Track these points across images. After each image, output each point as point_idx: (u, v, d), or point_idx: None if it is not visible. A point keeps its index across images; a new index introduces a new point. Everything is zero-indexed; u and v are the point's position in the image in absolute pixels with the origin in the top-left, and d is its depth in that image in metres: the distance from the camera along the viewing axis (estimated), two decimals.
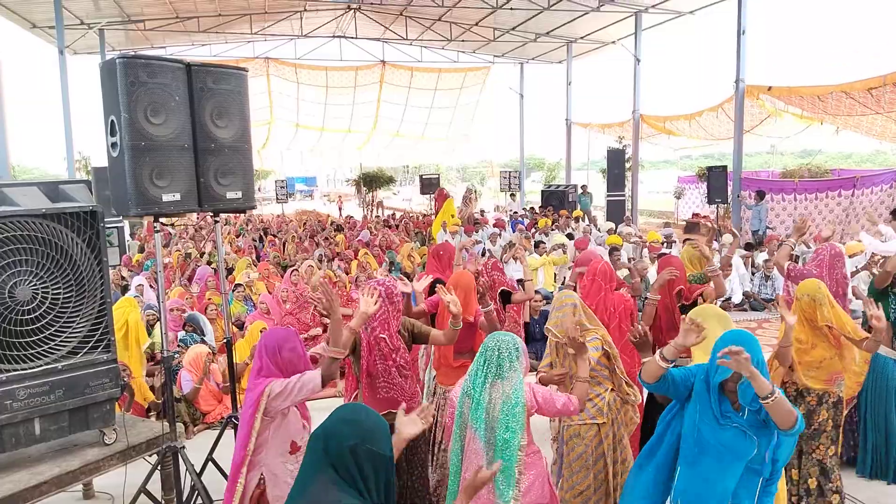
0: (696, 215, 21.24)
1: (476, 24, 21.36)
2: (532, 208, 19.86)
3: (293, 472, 3.18)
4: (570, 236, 12.47)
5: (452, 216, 15.26)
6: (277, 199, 24.42)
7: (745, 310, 10.19)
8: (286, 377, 3.17)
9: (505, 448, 2.93)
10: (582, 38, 21.94)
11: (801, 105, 15.01)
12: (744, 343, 2.68)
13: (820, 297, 4.09)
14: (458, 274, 4.48)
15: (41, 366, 3.59)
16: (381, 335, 3.59)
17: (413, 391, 3.77)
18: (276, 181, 26.80)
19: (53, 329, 3.63)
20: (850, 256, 8.98)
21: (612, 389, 3.85)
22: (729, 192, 15.96)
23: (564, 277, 9.45)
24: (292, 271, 8.97)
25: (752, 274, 10.79)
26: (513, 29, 21.47)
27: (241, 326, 7.75)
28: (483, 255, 10.76)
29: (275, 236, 15.17)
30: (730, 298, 10.01)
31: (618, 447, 3.84)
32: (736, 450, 2.75)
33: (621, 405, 3.87)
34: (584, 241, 11.03)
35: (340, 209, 27.35)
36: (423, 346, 4.92)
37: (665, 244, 13.33)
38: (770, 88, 14.85)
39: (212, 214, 4.57)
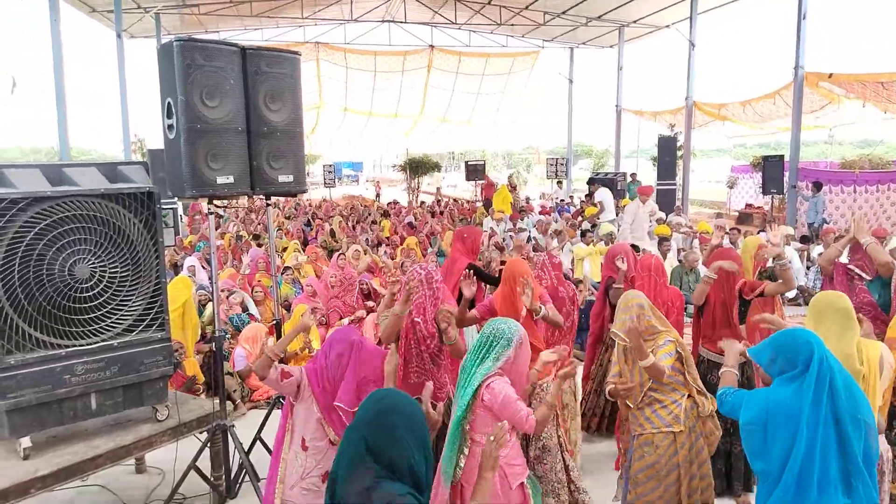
0: (749, 206, 20.72)
1: (526, 8, 21.08)
2: (583, 196, 19.61)
3: (300, 466, 3.13)
4: (588, 228, 12.06)
5: (510, 202, 15.30)
6: (325, 183, 24.63)
7: (800, 304, 9.89)
8: (327, 376, 3.15)
9: (454, 427, 3.01)
10: (635, 21, 21.48)
11: (863, 93, 14.42)
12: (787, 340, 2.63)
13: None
14: (512, 262, 4.40)
15: (98, 342, 3.70)
16: (416, 318, 3.60)
17: (443, 381, 3.74)
18: (323, 166, 27.05)
19: (110, 307, 3.73)
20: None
21: (689, 396, 3.61)
22: (785, 183, 15.47)
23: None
24: (339, 255, 9.04)
25: (807, 268, 10.46)
26: (563, 13, 21.12)
27: (288, 308, 7.86)
28: (528, 241, 10.67)
29: (323, 220, 15.32)
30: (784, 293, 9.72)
31: (695, 460, 3.59)
32: None
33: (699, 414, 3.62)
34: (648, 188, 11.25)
35: (378, 195, 27.16)
36: None
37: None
38: (831, 76, 14.29)
39: (264, 197, 4.61)
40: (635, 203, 11.08)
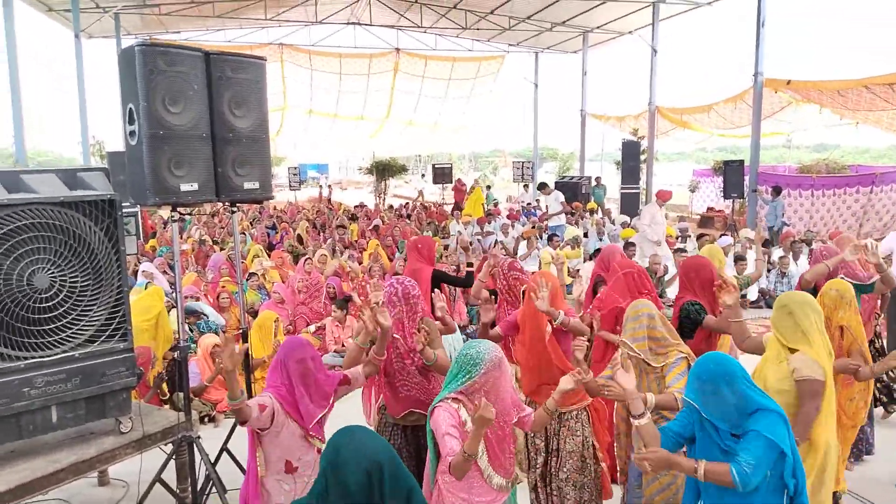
0: (710, 209, 21.13)
1: (491, 13, 21.20)
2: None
3: (288, 492, 3.06)
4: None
5: (482, 204, 15.49)
6: (290, 186, 24.36)
7: (761, 307, 10.10)
8: (290, 388, 3.05)
9: (431, 453, 2.91)
10: (598, 27, 21.74)
11: (820, 100, 14.82)
12: (711, 370, 2.65)
13: (849, 297, 4.00)
14: (537, 274, 4.34)
15: (58, 354, 3.59)
16: (396, 335, 3.53)
17: (437, 391, 3.60)
18: (288, 168, 26.72)
19: (71, 317, 3.63)
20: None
21: None
22: (745, 187, 15.82)
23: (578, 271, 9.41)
24: (306, 260, 8.97)
25: (768, 271, 10.69)
26: (528, 18, 21.29)
27: (255, 315, 7.76)
28: (494, 245, 10.72)
29: (288, 224, 15.18)
30: (745, 296, 9.92)
31: None
32: None
33: None
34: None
35: (329, 198, 25.51)
36: None
37: (680, 238, 13.27)
38: (789, 82, 14.65)
39: (229, 204, 4.55)
40: (653, 205, 11.05)
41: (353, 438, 1.94)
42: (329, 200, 23.89)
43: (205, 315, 7.45)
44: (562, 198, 15.01)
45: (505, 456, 2.87)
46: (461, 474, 2.67)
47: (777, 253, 10.92)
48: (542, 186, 16.03)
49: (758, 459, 2.55)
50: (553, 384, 3.80)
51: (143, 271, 8.69)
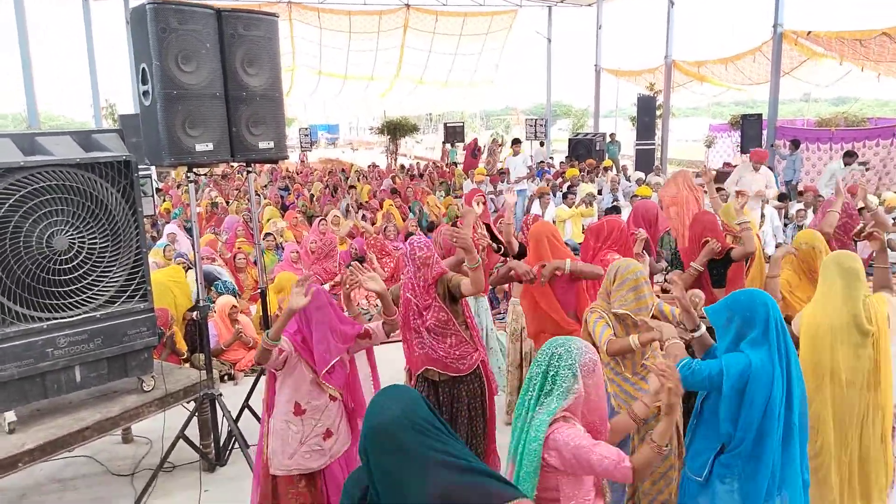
0: (727, 164, 20.82)
1: None
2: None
3: (295, 433, 3.13)
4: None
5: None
6: (301, 147, 24.22)
7: None
8: (308, 334, 3.14)
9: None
10: None
11: (841, 50, 14.46)
12: (750, 305, 2.70)
13: (820, 245, 4.04)
14: (537, 224, 4.53)
15: (80, 314, 3.64)
16: (407, 294, 3.56)
17: (460, 352, 3.53)
18: (299, 129, 26.59)
19: (91, 278, 3.67)
20: (888, 210, 8.73)
21: None
22: (763, 141, 15.56)
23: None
24: (320, 221, 8.97)
25: (785, 225, 10.58)
26: None
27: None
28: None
29: (301, 186, 15.15)
30: (763, 250, 9.83)
31: None
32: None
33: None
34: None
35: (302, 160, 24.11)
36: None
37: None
38: (809, 33, 14.30)
39: (243, 164, 4.53)
40: (743, 165, 10.37)
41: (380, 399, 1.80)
42: (302, 162, 23.26)
43: (221, 279, 7.51)
44: (530, 161, 13.98)
45: None
46: (648, 472, 2.23)
47: (795, 207, 10.79)
48: (516, 142, 14.52)
49: (702, 368, 2.68)
50: (550, 331, 4.04)
51: (169, 233, 8.76)
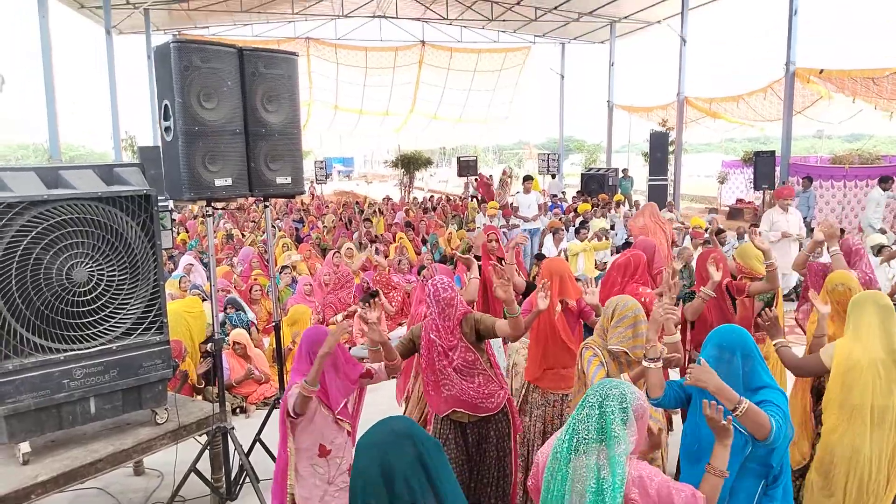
0: (739, 201, 20.81)
1: (517, 3, 21.10)
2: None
3: (322, 475, 3.15)
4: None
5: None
6: (317, 179, 24.40)
7: (793, 300, 9.95)
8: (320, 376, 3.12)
9: None
10: (626, 17, 21.52)
11: (853, 89, 14.51)
12: (732, 340, 2.69)
13: (855, 286, 3.95)
14: (549, 260, 4.49)
15: (96, 346, 3.67)
16: (431, 335, 3.56)
17: (488, 391, 3.52)
18: (315, 162, 26.84)
19: (108, 310, 3.70)
20: None
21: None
22: (776, 178, 15.55)
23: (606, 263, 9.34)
24: (334, 253, 9.03)
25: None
26: (555, 8, 21.13)
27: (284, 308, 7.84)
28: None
29: (316, 218, 15.28)
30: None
31: None
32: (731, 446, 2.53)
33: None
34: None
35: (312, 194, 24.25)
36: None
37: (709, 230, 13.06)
38: (821, 71, 14.38)
39: (261, 199, 4.59)
40: (772, 211, 10.02)
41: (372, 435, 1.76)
42: (313, 196, 23.24)
43: (242, 310, 7.55)
44: (542, 199, 13.79)
45: None
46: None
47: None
48: (527, 178, 13.98)
49: (780, 421, 2.56)
50: (558, 368, 4.04)
51: (186, 265, 8.84)
